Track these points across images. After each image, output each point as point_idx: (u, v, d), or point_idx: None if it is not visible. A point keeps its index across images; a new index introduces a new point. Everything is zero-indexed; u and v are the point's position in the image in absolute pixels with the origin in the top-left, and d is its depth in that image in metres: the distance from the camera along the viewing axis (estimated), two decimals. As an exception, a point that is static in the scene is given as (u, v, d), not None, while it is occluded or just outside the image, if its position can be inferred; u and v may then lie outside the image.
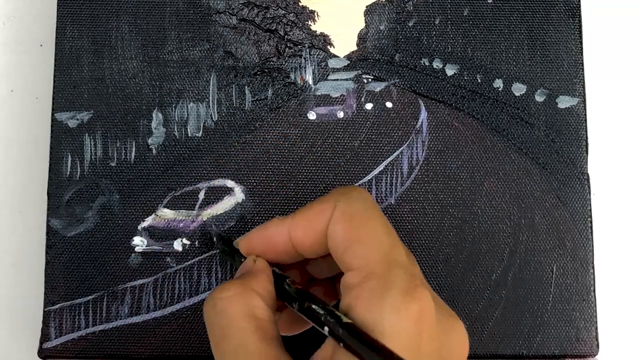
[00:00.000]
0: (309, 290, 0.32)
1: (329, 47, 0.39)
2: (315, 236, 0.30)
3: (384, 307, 0.27)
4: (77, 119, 0.38)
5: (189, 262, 0.37)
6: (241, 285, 0.30)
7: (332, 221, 0.30)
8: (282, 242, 0.31)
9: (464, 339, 0.30)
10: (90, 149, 0.38)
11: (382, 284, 0.27)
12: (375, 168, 0.38)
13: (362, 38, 0.40)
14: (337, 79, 0.39)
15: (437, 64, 0.39)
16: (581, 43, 0.39)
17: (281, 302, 0.31)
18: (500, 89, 0.39)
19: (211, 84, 0.39)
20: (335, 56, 0.39)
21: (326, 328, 0.28)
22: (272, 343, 0.28)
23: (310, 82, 0.39)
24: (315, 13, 0.40)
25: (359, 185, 0.38)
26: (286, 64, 0.39)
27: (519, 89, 0.39)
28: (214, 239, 0.37)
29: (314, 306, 0.28)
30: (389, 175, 0.38)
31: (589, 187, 0.38)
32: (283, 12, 0.40)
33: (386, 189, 0.38)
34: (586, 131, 0.39)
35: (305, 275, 0.34)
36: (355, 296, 0.28)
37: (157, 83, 0.39)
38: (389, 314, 0.27)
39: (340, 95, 0.39)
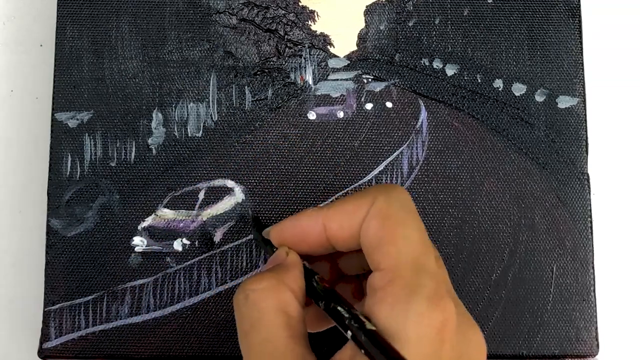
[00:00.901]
0: (337, 286, 0.32)
1: (329, 47, 0.39)
2: (351, 230, 0.30)
3: (408, 313, 0.26)
4: (77, 119, 0.38)
5: (189, 262, 0.37)
6: (274, 278, 0.29)
7: (368, 217, 0.29)
8: (315, 234, 0.31)
9: (482, 347, 0.29)
10: (90, 149, 0.38)
11: (407, 290, 0.27)
12: (375, 168, 0.38)
13: (362, 38, 0.40)
14: (337, 79, 0.39)
15: (437, 64, 0.39)
16: (581, 43, 0.39)
17: (308, 298, 0.31)
18: (500, 89, 0.39)
19: (211, 84, 0.39)
20: (335, 56, 0.39)
21: (349, 332, 0.27)
22: (299, 341, 0.28)
23: (310, 82, 0.39)
24: (315, 13, 0.40)
25: (359, 185, 0.38)
26: (286, 64, 0.39)
27: (519, 89, 0.39)
28: (217, 237, 0.37)
29: (339, 308, 0.28)
30: (389, 175, 0.38)
31: (589, 187, 0.38)
32: (283, 12, 0.40)
33: (386, 189, 0.38)
34: (586, 131, 0.39)
35: (336, 270, 0.33)
36: (379, 299, 0.27)
37: (157, 83, 0.39)
38: (412, 321, 0.26)
39: (340, 95, 0.39)
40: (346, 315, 0.28)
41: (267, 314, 0.28)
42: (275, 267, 0.31)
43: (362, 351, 0.27)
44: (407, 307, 0.27)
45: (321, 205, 0.33)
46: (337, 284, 0.34)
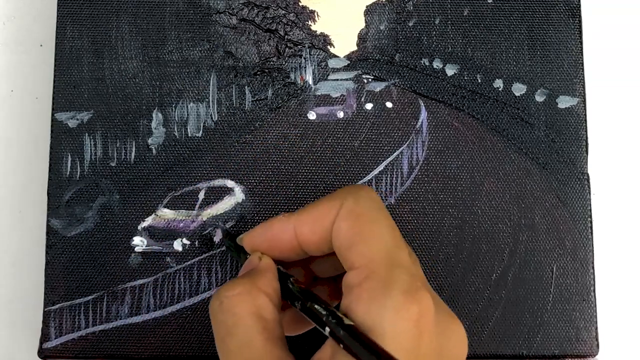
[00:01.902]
0: (313, 289, 0.32)
1: (329, 47, 0.39)
2: (322, 234, 0.30)
3: (384, 308, 0.27)
4: (77, 119, 0.38)
5: (189, 262, 0.37)
6: (248, 283, 0.29)
7: (338, 219, 0.30)
8: (287, 239, 0.31)
9: (463, 340, 0.30)
10: (90, 149, 0.38)
11: (383, 285, 0.27)
12: (375, 168, 0.38)
13: (362, 38, 0.40)
14: (337, 79, 0.39)
15: (437, 64, 0.39)
16: (581, 43, 0.39)
17: (285, 302, 0.31)
18: (500, 89, 0.39)
19: (211, 84, 0.39)
20: (335, 56, 0.39)
21: (327, 329, 0.28)
22: (277, 343, 0.28)
23: (310, 82, 0.39)
24: (315, 13, 0.40)
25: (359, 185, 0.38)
26: (286, 64, 0.39)
27: (519, 89, 0.39)
28: (217, 237, 0.37)
29: (316, 306, 0.28)
30: (389, 175, 0.38)
31: (589, 187, 0.38)
32: (283, 12, 0.40)
33: (386, 189, 0.38)
34: (586, 131, 0.39)
35: (310, 274, 0.34)
36: (356, 296, 0.28)
37: (157, 83, 0.39)
38: (389, 315, 0.27)
39: (340, 95, 0.39)
40: (323, 313, 0.28)
41: (242, 318, 0.28)
42: (249, 272, 0.31)
43: (341, 346, 0.27)
44: (384, 301, 0.27)
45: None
46: (312, 287, 0.34)
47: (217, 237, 0.38)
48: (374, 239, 0.29)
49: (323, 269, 0.33)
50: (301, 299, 0.29)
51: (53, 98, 0.38)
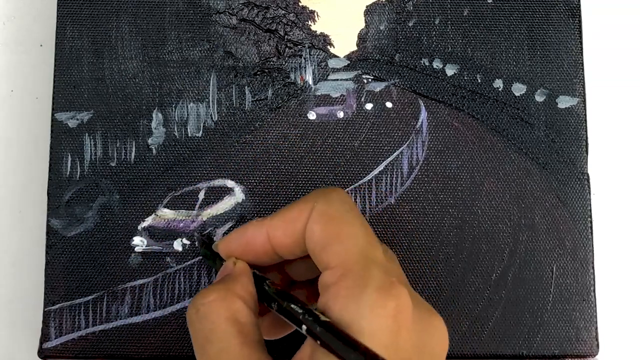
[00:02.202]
0: (291, 292, 0.32)
1: (329, 47, 0.39)
2: (294, 237, 0.31)
3: (361, 304, 0.27)
4: (77, 119, 0.38)
5: (189, 262, 0.37)
6: (223, 289, 0.30)
7: (311, 221, 0.30)
8: (260, 244, 0.31)
9: (444, 334, 0.30)
10: (90, 149, 0.38)
11: (358, 282, 0.27)
12: (375, 168, 0.38)
13: (362, 38, 0.40)
14: (337, 79, 0.39)
15: (437, 64, 0.39)
16: (581, 43, 0.39)
17: (263, 306, 0.31)
18: (500, 89, 0.39)
19: (211, 84, 0.39)
20: (335, 56, 0.39)
21: (304, 327, 0.28)
22: (255, 346, 0.28)
23: (310, 82, 0.39)
24: (315, 13, 0.40)
25: (359, 185, 0.38)
26: (286, 64, 0.39)
27: (519, 89, 0.39)
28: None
29: (292, 306, 0.29)
30: (389, 175, 0.38)
31: (589, 187, 0.38)
32: (283, 12, 0.40)
33: (386, 189, 0.38)
34: (586, 131, 0.39)
35: (286, 278, 0.34)
36: (332, 295, 0.28)
37: (157, 83, 0.39)
38: (366, 312, 0.27)
39: (340, 95, 0.39)
40: (299, 311, 0.28)
41: (219, 324, 0.28)
42: (223, 278, 0.31)
43: (319, 343, 0.27)
44: (360, 298, 0.27)
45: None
46: (290, 291, 0.34)
47: (217, 237, 0.38)
48: (348, 238, 0.29)
49: (299, 272, 0.34)
50: (277, 300, 0.29)
51: (53, 98, 0.38)
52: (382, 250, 0.30)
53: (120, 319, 0.37)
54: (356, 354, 0.25)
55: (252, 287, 0.31)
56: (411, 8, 0.40)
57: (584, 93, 0.39)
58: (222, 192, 0.38)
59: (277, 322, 0.33)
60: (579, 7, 0.40)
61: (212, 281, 0.37)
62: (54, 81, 0.38)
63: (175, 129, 0.38)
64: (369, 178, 0.38)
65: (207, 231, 0.38)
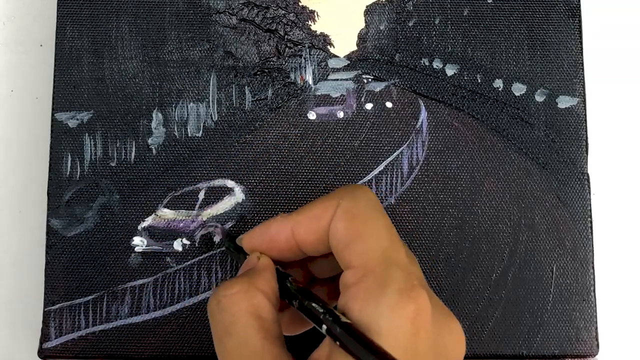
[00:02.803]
0: (311, 290, 0.32)
1: (329, 47, 0.39)
2: (318, 234, 0.30)
3: (381, 306, 0.27)
4: (77, 119, 0.38)
5: (189, 262, 0.37)
6: (246, 282, 0.30)
7: (335, 219, 0.30)
8: (284, 240, 0.31)
9: (461, 338, 0.30)
10: (90, 149, 0.38)
11: (379, 283, 0.27)
12: (375, 168, 0.38)
13: (362, 38, 0.40)
14: (337, 79, 0.39)
15: (437, 64, 0.39)
16: (581, 43, 0.39)
17: (283, 302, 0.31)
18: (500, 89, 0.39)
19: (211, 84, 0.39)
20: (335, 56, 0.39)
21: (324, 327, 0.28)
22: (274, 342, 0.28)
23: (310, 82, 0.39)
24: (315, 13, 0.40)
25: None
26: (286, 64, 0.39)
27: (519, 89, 0.39)
28: (217, 237, 0.37)
29: (313, 304, 0.29)
30: (389, 175, 0.38)
31: (589, 187, 0.38)
32: (283, 12, 0.40)
33: (386, 189, 0.38)
34: (586, 131, 0.39)
35: (308, 275, 0.34)
36: (352, 295, 0.28)
37: (157, 83, 0.39)
38: (386, 314, 0.27)
39: (340, 95, 0.39)
40: (320, 311, 0.28)
41: (240, 318, 0.28)
42: (247, 271, 0.31)
43: (338, 343, 0.27)
44: (380, 300, 0.27)
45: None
46: (311, 288, 0.34)
47: (217, 237, 0.38)
48: (371, 238, 0.29)
49: (321, 270, 0.34)
50: (299, 298, 0.29)
51: (53, 98, 0.38)
52: (404, 251, 0.29)
53: (120, 319, 0.37)
54: (375, 357, 0.25)
55: (275, 283, 0.31)
56: (411, 8, 0.40)
57: (584, 93, 0.39)
58: (222, 192, 0.38)
59: (296, 319, 0.33)
60: (579, 7, 0.40)
61: (212, 281, 0.37)
62: (54, 81, 0.38)
63: (175, 129, 0.38)
64: (369, 178, 0.38)
65: (207, 231, 0.38)
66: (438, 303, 0.29)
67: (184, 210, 0.38)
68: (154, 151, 0.38)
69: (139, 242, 0.37)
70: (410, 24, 0.40)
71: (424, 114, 0.39)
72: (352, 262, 0.29)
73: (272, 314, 0.29)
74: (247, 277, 0.30)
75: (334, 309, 0.28)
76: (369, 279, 0.28)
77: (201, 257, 0.37)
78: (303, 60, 0.39)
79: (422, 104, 0.39)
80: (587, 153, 0.39)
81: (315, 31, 0.39)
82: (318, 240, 0.31)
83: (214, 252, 0.37)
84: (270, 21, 0.39)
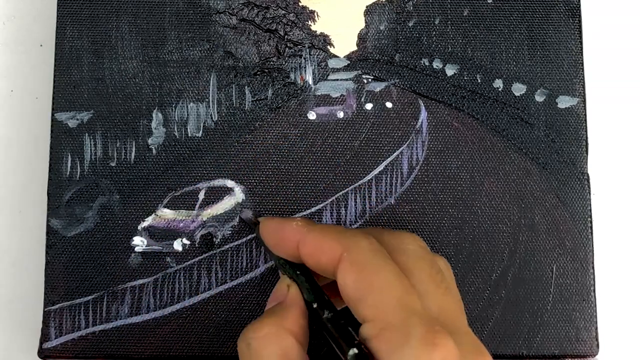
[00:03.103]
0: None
1: (329, 47, 0.39)
2: (319, 266, 0.30)
3: (405, 359, 0.26)
4: (77, 119, 0.38)
5: (189, 262, 0.37)
6: (274, 325, 0.29)
7: (342, 271, 0.29)
8: (291, 249, 0.32)
9: None
10: (90, 149, 0.38)
11: (399, 335, 0.27)
12: (375, 168, 0.38)
13: (362, 38, 0.40)
14: (337, 79, 0.39)
15: (437, 64, 0.39)
16: (581, 43, 0.39)
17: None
18: (500, 89, 0.39)
19: (211, 84, 0.39)
20: (335, 56, 0.39)
21: None
22: None
23: (310, 82, 0.39)
24: (315, 13, 0.40)
25: (359, 185, 0.38)
26: (286, 64, 0.39)
27: (519, 89, 0.39)
28: (218, 236, 0.37)
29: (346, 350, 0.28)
30: (389, 175, 0.38)
31: (589, 187, 0.38)
32: (283, 12, 0.40)
33: (386, 189, 0.38)
34: (586, 131, 0.39)
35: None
36: (375, 349, 0.27)
37: (157, 83, 0.39)
38: None
39: (340, 95, 0.39)
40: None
41: None
42: (275, 308, 0.31)
43: None
44: (403, 353, 0.26)
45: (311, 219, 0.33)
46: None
47: (217, 237, 0.38)
48: (383, 288, 0.28)
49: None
50: (329, 335, 0.29)
51: (53, 98, 0.38)
52: (417, 295, 0.29)
53: (120, 319, 0.37)
54: None
55: (304, 320, 0.30)
56: (411, 8, 0.40)
57: (584, 93, 0.39)
58: (222, 192, 0.38)
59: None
60: (579, 7, 0.40)
61: (212, 281, 0.37)
62: (54, 81, 0.38)
63: (175, 129, 0.38)
64: (369, 178, 0.38)
65: (207, 231, 0.38)
66: (467, 341, 0.29)
67: (184, 210, 0.38)
68: (154, 151, 0.38)
69: (139, 242, 0.37)
70: (410, 24, 0.40)
71: (424, 114, 0.39)
72: (368, 315, 0.28)
73: (301, 354, 0.29)
74: (276, 317, 0.30)
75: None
76: (388, 331, 0.27)
77: (201, 257, 0.37)
78: (303, 60, 0.39)
79: (422, 104, 0.39)
80: (587, 153, 0.39)
81: (315, 31, 0.39)
82: (319, 269, 0.31)
83: (214, 252, 0.37)
84: (270, 21, 0.39)
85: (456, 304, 0.30)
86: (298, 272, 0.32)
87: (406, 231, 0.33)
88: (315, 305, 0.30)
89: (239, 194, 0.38)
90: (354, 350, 0.28)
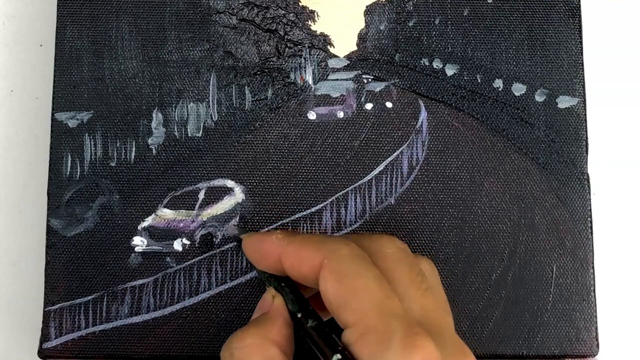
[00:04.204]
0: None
1: (329, 47, 0.39)
2: (302, 275, 0.31)
3: None
4: (77, 119, 0.38)
5: (189, 262, 0.37)
6: (258, 334, 0.30)
7: (322, 279, 0.29)
8: (273, 262, 0.32)
9: None
10: (90, 149, 0.38)
11: (380, 339, 0.27)
12: (375, 168, 0.38)
13: (362, 38, 0.40)
14: (337, 79, 0.39)
15: (437, 64, 0.39)
16: (581, 43, 0.39)
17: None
18: (500, 89, 0.39)
19: (211, 84, 0.39)
20: (335, 56, 0.39)
21: None
22: None
23: (310, 82, 0.39)
24: (315, 13, 0.40)
25: (359, 185, 0.38)
26: (286, 64, 0.39)
27: (519, 89, 0.39)
28: (218, 236, 0.37)
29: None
30: (389, 175, 0.38)
31: (589, 187, 0.38)
32: (283, 12, 0.40)
33: (386, 189, 0.38)
34: (586, 131, 0.39)
35: None
36: (356, 354, 0.28)
37: (157, 83, 0.39)
38: None
39: (340, 95, 0.39)
40: None
41: None
42: (260, 318, 0.31)
43: None
44: (384, 356, 0.27)
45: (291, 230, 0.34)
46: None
47: (217, 237, 0.38)
48: (363, 293, 0.28)
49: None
50: (315, 346, 0.29)
51: (53, 98, 0.38)
52: (399, 298, 0.29)
53: (120, 319, 0.37)
54: None
55: (288, 330, 0.31)
56: (411, 8, 0.40)
57: (584, 93, 0.39)
58: (222, 192, 0.38)
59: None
60: (579, 7, 0.40)
61: (212, 281, 0.37)
62: (54, 81, 0.38)
63: (175, 129, 0.38)
64: (369, 178, 0.38)
65: (207, 231, 0.38)
66: (448, 342, 0.29)
67: (184, 210, 0.38)
68: (154, 151, 0.38)
69: (139, 242, 0.37)
70: (410, 24, 0.40)
71: (424, 114, 0.39)
72: (349, 320, 0.28)
73: None
74: (260, 327, 0.30)
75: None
76: (369, 335, 0.27)
77: (201, 257, 0.37)
78: (303, 60, 0.39)
79: (422, 104, 0.39)
80: (587, 153, 0.39)
81: (315, 31, 0.39)
82: (302, 279, 0.31)
83: (214, 252, 0.37)
84: (270, 21, 0.39)
85: (439, 305, 0.31)
86: (283, 284, 0.32)
87: (384, 234, 0.33)
88: (299, 315, 0.30)
89: (239, 194, 0.38)
90: (337, 356, 0.28)
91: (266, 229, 0.37)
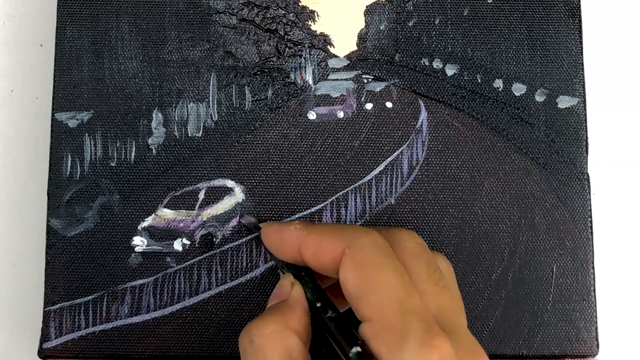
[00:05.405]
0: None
1: (329, 47, 0.39)
2: (322, 264, 0.30)
3: None
4: (77, 119, 0.38)
5: (189, 262, 0.37)
6: (279, 323, 0.29)
7: (343, 268, 0.29)
8: (293, 251, 0.32)
9: None
10: (90, 149, 0.38)
11: (397, 337, 0.27)
12: (375, 168, 0.38)
13: (362, 38, 0.40)
14: (337, 79, 0.39)
15: (437, 64, 0.39)
16: (581, 43, 0.39)
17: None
18: (500, 89, 0.39)
19: (211, 84, 0.39)
20: (335, 56, 0.39)
21: None
22: None
23: (310, 82, 0.39)
24: (315, 13, 0.40)
25: (359, 185, 0.38)
26: (286, 64, 0.39)
27: (519, 89, 0.39)
28: (218, 236, 0.37)
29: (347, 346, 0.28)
30: (389, 175, 0.38)
31: (589, 187, 0.38)
32: (283, 12, 0.40)
33: (386, 189, 0.38)
34: (586, 131, 0.39)
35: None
36: (374, 349, 0.27)
37: (157, 83, 0.39)
38: None
39: (340, 95, 0.39)
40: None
41: (272, 359, 0.28)
42: (279, 306, 0.31)
43: None
44: (401, 354, 0.26)
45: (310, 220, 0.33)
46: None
47: (217, 237, 0.38)
48: (382, 287, 0.28)
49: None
50: (332, 337, 0.29)
51: (53, 98, 0.38)
52: (420, 294, 0.29)
53: (120, 319, 0.37)
54: None
55: (307, 319, 0.30)
56: (411, 8, 0.40)
57: (584, 93, 0.39)
58: (222, 192, 0.38)
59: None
60: (579, 7, 0.40)
61: (212, 281, 0.37)
62: (54, 81, 0.38)
63: (175, 129, 0.38)
64: (369, 178, 0.38)
65: (207, 231, 0.38)
66: (463, 342, 0.29)
67: (184, 210, 0.38)
68: (154, 151, 0.38)
69: (139, 242, 0.37)
70: (410, 24, 0.40)
71: (424, 114, 0.39)
72: (367, 314, 0.28)
73: (304, 355, 0.29)
74: (279, 315, 0.30)
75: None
76: (386, 332, 0.27)
77: (201, 257, 0.37)
78: (303, 60, 0.39)
79: (422, 104, 0.39)
80: (587, 153, 0.39)
81: (315, 31, 0.39)
82: (322, 268, 0.31)
83: (214, 252, 0.37)
84: (270, 21, 0.39)
85: (455, 303, 0.30)
86: (303, 273, 0.32)
87: (403, 228, 0.32)
88: (318, 305, 0.30)
89: (239, 194, 0.38)
90: (356, 349, 0.28)
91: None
